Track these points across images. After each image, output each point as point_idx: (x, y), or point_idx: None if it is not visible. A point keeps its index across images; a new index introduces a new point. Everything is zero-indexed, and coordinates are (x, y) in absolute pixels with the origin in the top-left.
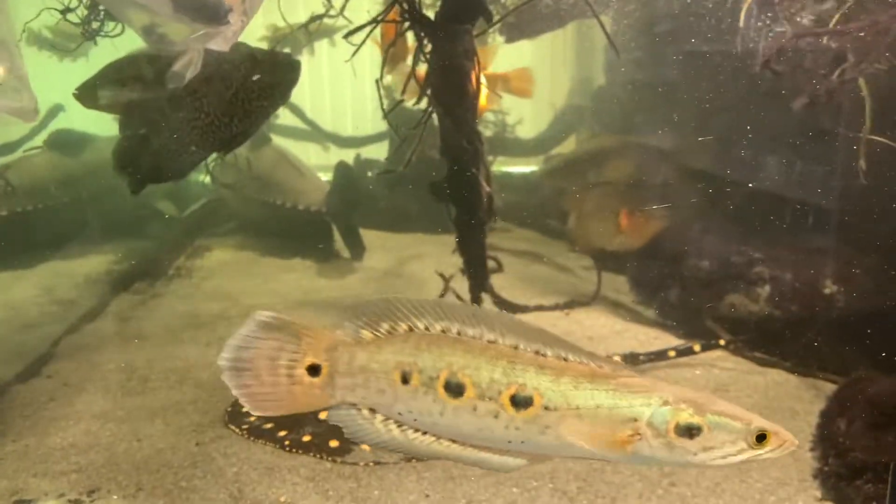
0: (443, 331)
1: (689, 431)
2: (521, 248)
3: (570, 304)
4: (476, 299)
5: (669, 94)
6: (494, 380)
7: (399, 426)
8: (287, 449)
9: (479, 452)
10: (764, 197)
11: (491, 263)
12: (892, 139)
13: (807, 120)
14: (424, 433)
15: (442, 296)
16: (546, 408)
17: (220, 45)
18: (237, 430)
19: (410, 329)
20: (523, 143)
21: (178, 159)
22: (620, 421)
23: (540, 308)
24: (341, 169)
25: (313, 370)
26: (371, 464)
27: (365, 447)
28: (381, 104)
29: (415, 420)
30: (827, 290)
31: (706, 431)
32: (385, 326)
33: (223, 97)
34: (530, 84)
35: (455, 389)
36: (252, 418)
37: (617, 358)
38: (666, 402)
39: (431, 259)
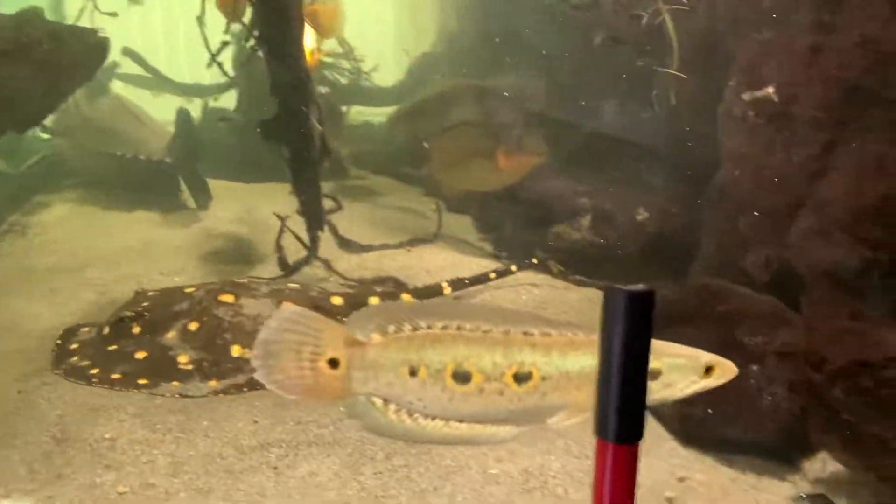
0: (443, 327)
1: (653, 374)
2: (374, 193)
3: (413, 242)
4: (313, 238)
5: (513, 41)
6: (496, 363)
7: (410, 415)
8: (95, 384)
9: (485, 429)
10: (594, 136)
11: (330, 203)
12: (701, 77)
13: (630, 62)
14: (434, 419)
15: (279, 237)
16: (543, 378)
17: None
18: (58, 372)
19: (414, 329)
20: (382, 91)
21: None
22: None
23: (385, 247)
24: (182, 116)
25: (333, 363)
26: (178, 395)
27: (175, 383)
28: (207, 45)
29: (425, 407)
30: (639, 217)
31: (665, 372)
32: (391, 328)
33: (21, 74)
34: (336, 20)
35: (463, 377)
36: (74, 359)
37: (444, 284)
38: None
39: (281, 207)
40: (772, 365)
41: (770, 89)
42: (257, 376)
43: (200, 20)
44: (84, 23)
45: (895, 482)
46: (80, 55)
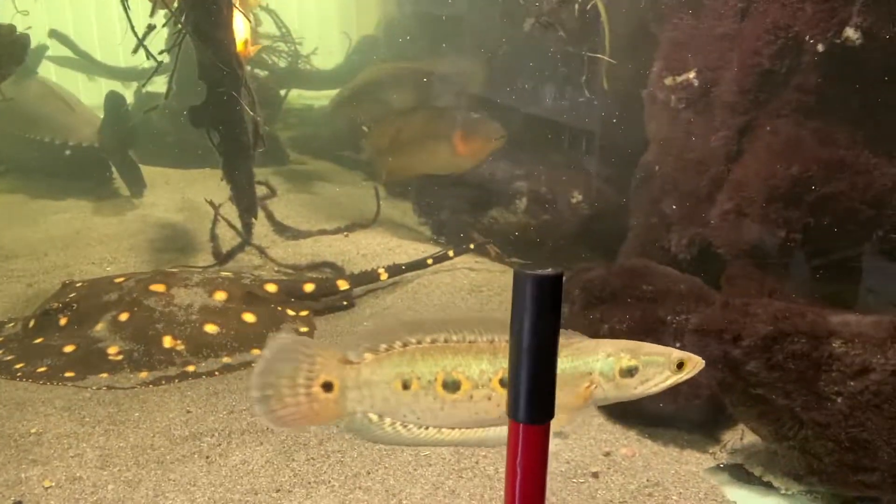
0: (432, 341)
1: (630, 372)
2: (314, 178)
3: (351, 228)
4: (247, 225)
5: (453, 25)
6: (483, 370)
7: (405, 426)
8: (19, 378)
9: (477, 432)
10: (531, 120)
11: (264, 189)
12: (632, 62)
13: (563, 47)
14: (427, 428)
15: (213, 224)
16: None
17: None
18: None
19: (405, 345)
20: (321, 74)
21: None
22: (580, 376)
23: (322, 232)
24: (112, 99)
25: (327, 387)
26: (105, 388)
27: (104, 375)
28: (133, 29)
29: (418, 418)
30: (574, 200)
31: (641, 369)
32: (383, 346)
33: None
34: None
35: (452, 386)
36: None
37: (381, 270)
38: (609, 354)
39: (217, 193)
40: (692, 341)
41: (690, 74)
42: (256, 412)
43: (125, 4)
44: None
45: (806, 452)
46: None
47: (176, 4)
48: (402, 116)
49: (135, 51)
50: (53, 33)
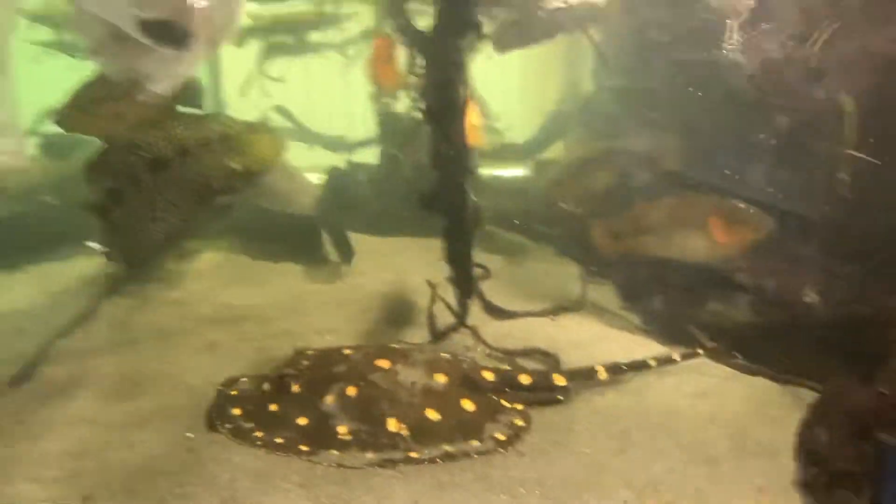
0: None
1: None
2: (507, 252)
3: (557, 310)
4: (463, 306)
5: (656, 102)
6: None
7: None
8: (259, 447)
9: None
10: (762, 206)
11: (479, 270)
12: (873, 154)
13: (789, 132)
14: None
15: (431, 304)
16: None
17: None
18: (223, 431)
19: None
20: (513, 148)
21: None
22: None
23: (529, 314)
24: (335, 174)
25: None
26: (335, 465)
27: (332, 452)
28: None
29: None
30: (807, 299)
31: None
32: None
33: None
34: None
35: None
36: (236, 413)
37: (600, 368)
38: None
39: (419, 262)
40: None
41: None
42: None
43: (378, 97)
44: (249, 85)
45: None
46: (263, 152)
47: (415, 94)
48: (648, 200)
49: (379, 136)
50: (279, 109)
